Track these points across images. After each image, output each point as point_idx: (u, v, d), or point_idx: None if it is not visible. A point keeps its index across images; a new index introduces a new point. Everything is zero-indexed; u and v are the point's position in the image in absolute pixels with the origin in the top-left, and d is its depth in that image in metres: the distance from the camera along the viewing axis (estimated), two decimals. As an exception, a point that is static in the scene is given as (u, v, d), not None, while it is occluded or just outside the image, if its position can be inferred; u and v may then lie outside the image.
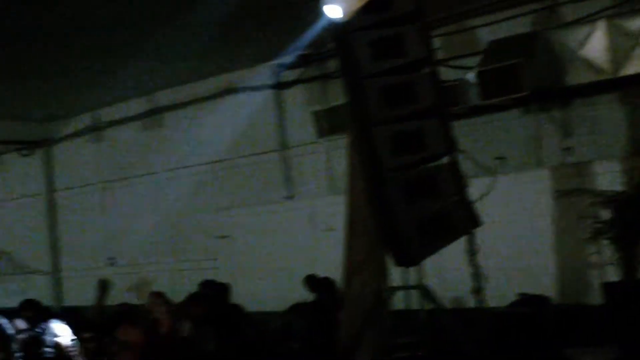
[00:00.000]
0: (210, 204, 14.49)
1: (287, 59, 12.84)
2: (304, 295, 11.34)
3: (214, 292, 10.81)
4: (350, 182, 8.21)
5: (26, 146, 18.44)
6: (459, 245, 7.60)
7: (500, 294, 9.10)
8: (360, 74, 7.09)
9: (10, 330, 7.96)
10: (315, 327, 10.35)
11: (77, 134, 17.22)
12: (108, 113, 16.42)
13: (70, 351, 7.22)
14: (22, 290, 17.14)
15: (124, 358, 7.13)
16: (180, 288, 11.72)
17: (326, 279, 11.20)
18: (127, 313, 10.25)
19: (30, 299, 11.60)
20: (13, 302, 11.88)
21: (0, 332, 7.45)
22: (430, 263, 7.77)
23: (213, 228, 14.03)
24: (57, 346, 7.11)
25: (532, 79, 9.94)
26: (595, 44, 9.69)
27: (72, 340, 7.34)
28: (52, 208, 18.22)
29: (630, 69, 9.54)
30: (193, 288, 11.25)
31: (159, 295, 10.53)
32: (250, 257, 13.10)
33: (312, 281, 11.39)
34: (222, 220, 13.78)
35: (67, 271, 17.97)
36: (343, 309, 8.42)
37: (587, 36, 9.76)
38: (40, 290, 16.94)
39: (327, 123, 12.45)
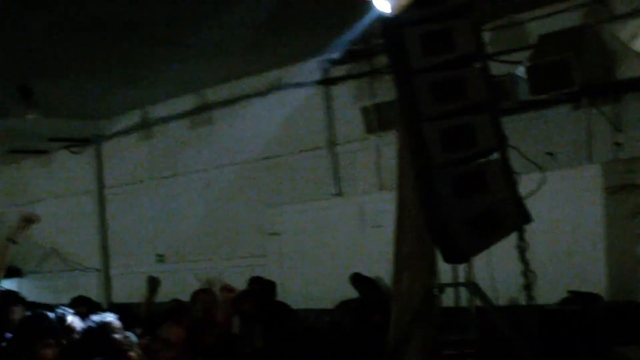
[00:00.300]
0: (259, 200, 14.51)
1: (336, 54, 12.83)
2: (352, 292, 11.34)
3: (262, 289, 10.84)
4: (399, 178, 8.18)
5: (76, 144, 18.61)
6: (508, 242, 7.53)
7: (550, 291, 9.03)
8: (409, 69, 7.04)
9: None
10: (362, 324, 10.35)
11: (126, 131, 17.33)
12: (157, 110, 16.51)
13: (124, 346, 7.25)
14: (71, 287, 17.28)
15: (166, 356, 7.14)
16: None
17: (371, 278, 11.21)
18: (176, 310, 10.29)
19: (82, 295, 11.71)
20: (63, 299, 11.99)
21: (51, 326, 7.51)
22: (479, 260, 7.72)
23: (262, 225, 14.04)
24: (111, 340, 7.15)
25: (582, 74, 9.83)
26: (648, 37, 9.59)
27: (126, 335, 7.38)
28: (101, 205, 18.35)
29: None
30: (242, 285, 11.29)
31: (207, 292, 10.58)
32: (299, 254, 13.09)
33: (357, 279, 11.39)
34: (271, 217, 13.78)
35: (116, 268, 18.10)
36: (392, 305, 8.39)
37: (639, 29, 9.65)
38: (89, 287, 17.08)
39: (376, 119, 12.42)
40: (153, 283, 10.67)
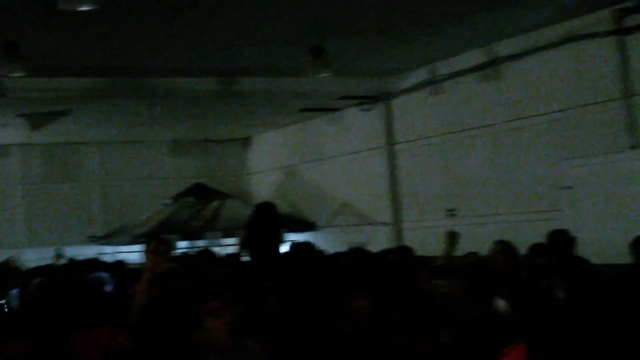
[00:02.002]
0: (550, 154, 14.35)
1: (630, 2, 12.45)
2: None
3: (559, 243, 10.71)
4: None
5: (366, 101, 19.00)
6: None
7: None
8: None
9: None
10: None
11: (415, 88, 17.53)
12: (445, 66, 16.59)
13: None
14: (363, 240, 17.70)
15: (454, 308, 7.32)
16: (522, 239, 11.68)
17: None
18: (475, 263, 10.42)
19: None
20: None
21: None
22: None
23: (554, 179, 13.92)
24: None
25: None
26: None
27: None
28: (392, 161, 18.68)
29: None
30: (535, 239, 11.21)
31: (501, 244, 10.64)
32: (594, 208, 12.86)
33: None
34: (563, 171, 13.60)
35: (407, 222, 18.39)
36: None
37: None
38: (380, 241, 17.42)
39: (675, 68, 12.02)
40: (453, 237, 10.87)
